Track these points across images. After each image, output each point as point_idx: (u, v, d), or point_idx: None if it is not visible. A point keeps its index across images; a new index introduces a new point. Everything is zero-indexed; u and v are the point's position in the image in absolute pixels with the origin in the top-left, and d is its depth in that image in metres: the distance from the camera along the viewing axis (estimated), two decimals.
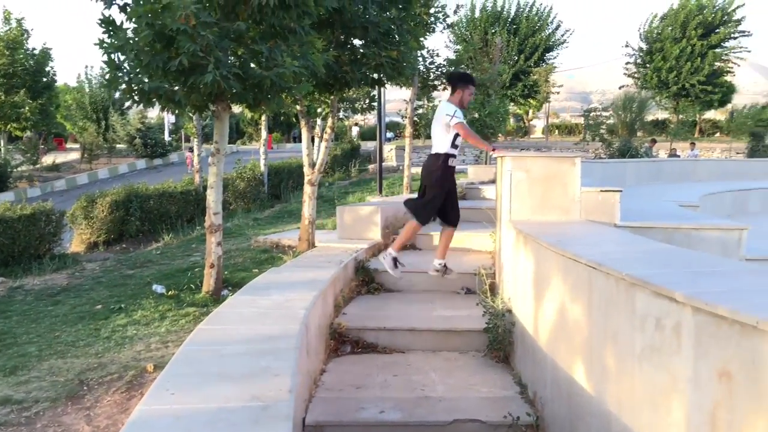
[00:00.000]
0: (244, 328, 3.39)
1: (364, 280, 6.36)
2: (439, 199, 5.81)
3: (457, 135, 5.67)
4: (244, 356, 2.85)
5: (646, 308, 2.47)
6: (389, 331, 5.03)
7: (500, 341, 4.68)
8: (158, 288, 7.57)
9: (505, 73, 38.06)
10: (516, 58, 40.03)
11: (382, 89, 13.59)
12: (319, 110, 9.93)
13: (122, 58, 5.91)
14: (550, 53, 42.24)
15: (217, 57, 5.85)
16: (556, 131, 47.80)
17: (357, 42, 8.55)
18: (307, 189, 9.22)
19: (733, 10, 39.22)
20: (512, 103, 42.39)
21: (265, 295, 4.27)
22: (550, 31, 41.93)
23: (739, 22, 39.69)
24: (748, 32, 40.38)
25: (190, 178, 19.79)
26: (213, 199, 7.10)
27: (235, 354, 2.89)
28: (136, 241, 15.27)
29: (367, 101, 11.33)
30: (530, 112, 46.16)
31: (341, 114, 10.11)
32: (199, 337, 3.25)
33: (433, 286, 6.40)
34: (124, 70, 6.01)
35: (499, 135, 19.97)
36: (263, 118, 19.50)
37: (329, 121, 9.23)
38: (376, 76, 8.69)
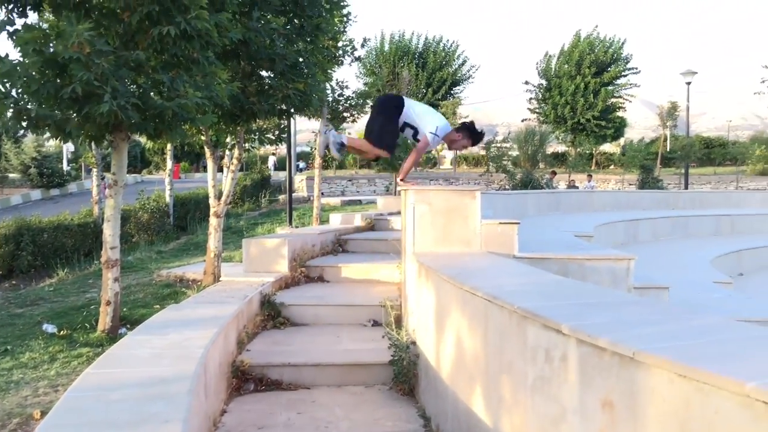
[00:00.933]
0: (135, 371, 3.22)
1: (270, 314, 6.24)
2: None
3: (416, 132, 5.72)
4: (133, 402, 2.70)
5: (537, 340, 2.55)
6: (294, 366, 4.94)
7: (405, 374, 4.69)
8: (49, 327, 7.11)
9: None
10: (424, 91, 41.12)
11: (291, 120, 13.58)
12: (227, 140, 9.78)
13: (9, 85, 5.61)
14: (457, 87, 43.71)
15: (114, 86, 5.66)
16: (464, 163, 49.20)
17: (264, 73, 8.53)
18: (213, 221, 9.01)
19: (620, 47, 42.09)
20: None
21: (162, 335, 4.10)
22: (457, 66, 43.43)
23: (627, 60, 42.63)
24: (637, 69, 43.40)
25: (89, 210, 18.90)
26: (110, 233, 6.79)
27: (123, 400, 2.74)
28: (28, 277, 14.35)
29: (276, 132, 11.26)
30: None
31: (248, 145, 9.98)
32: (85, 382, 3.07)
33: (341, 319, 6.36)
34: (12, 98, 5.70)
35: None
36: (168, 147, 18.96)
37: (236, 152, 9.10)
38: (283, 107, 8.67)
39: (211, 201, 8.92)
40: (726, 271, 10.06)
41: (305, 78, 8.36)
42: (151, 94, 6.29)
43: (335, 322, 6.33)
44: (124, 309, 7.52)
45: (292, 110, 8.96)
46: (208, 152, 9.12)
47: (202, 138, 8.98)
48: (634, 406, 1.98)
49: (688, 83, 26.69)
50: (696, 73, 26.72)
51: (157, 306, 7.70)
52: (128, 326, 6.86)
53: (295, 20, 8.60)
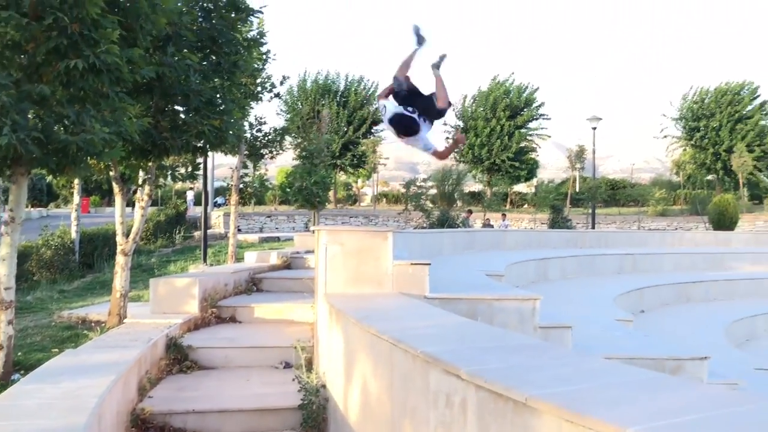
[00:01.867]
0: (21, 424, 3.02)
1: (177, 358, 6.01)
2: None
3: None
4: None
5: (438, 385, 2.57)
6: (199, 413, 4.76)
7: (314, 418, 4.62)
8: None
9: (335, 143, 39.23)
10: (345, 129, 41.46)
11: (208, 155, 13.34)
12: (140, 176, 9.47)
13: None
14: (378, 126, 44.32)
15: (15, 120, 5.40)
16: (384, 200, 49.68)
17: (180, 108, 8.37)
18: (120, 259, 8.65)
19: (533, 93, 44.17)
20: (342, 172, 43.64)
21: (55, 383, 3.87)
22: (377, 106, 44.12)
23: (539, 106, 44.70)
24: (548, 116, 45.60)
25: None
26: (4, 273, 6.39)
27: None
28: None
29: (190, 168, 11.02)
30: (360, 181, 47.73)
31: (161, 181, 9.70)
32: None
33: (252, 361, 6.21)
34: None
35: (327, 203, 20.37)
36: (76, 180, 18.16)
37: (146, 187, 8.83)
38: (198, 143, 8.52)
39: (119, 238, 8.57)
40: (628, 308, 10.53)
41: (221, 114, 8.25)
42: (55, 128, 6.04)
43: (246, 365, 6.17)
44: (19, 353, 7.05)
45: (207, 147, 8.81)
46: (116, 188, 8.80)
47: (111, 173, 8.67)
48: None
49: (594, 128, 28.20)
50: (601, 119, 28.29)
51: (56, 350, 7.26)
52: (22, 372, 6.42)
53: (212, 57, 8.52)
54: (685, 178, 48.39)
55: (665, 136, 50.07)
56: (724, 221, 25.67)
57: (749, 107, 45.93)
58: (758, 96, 46.54)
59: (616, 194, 47.81)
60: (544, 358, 2.68)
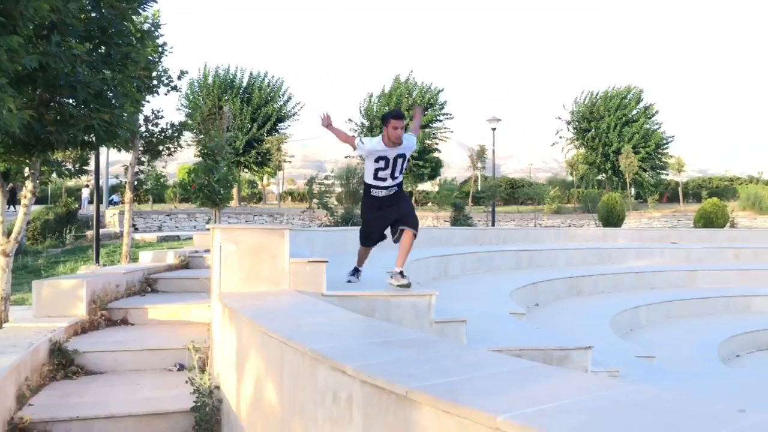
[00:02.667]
0: None
1: (61, 363, 5.69)
2: (366, 226, 6.44)
3: (378, 169, 5.94)
4: None
5: (326, 382, 2.59)
6: (83, 420, 4.54)
7: (207, 420, 4.51)
8: None
9: (239, 140, 38.44)
10: (249, 126, 40.70)
11: (101, 151, 12.72)
12: (24, 172, 8.88)
13: None
14: (282, 123, 43.80)
15: None
16: (290, 198, 49.20)
17: (68, 101, 7.92)
18: (0, 260, 8.09)
19: (437, 93, 45.13)
20: (246, 170, 42.82)
21: None
22: (282, 102, 43.60)
23: (442, 106, 45.71)
24: (451, 116, 46.69)
25: None
26: None
27: None
28: None
29: (78, 164, 10.45)
30: (265, 178, 46.99)
31: (46, 177, 9.15)
32: None
33: (144, 364, 5.98)
34: None
35: (230, 201, 19.93)
36: None
37: (29, 184, 8.30)
38: (87, 138, 8.09)
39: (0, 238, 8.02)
40: (523, 302, 10.98)
41: (111, 108, 7.88)
42: None
43: (137, 368, 5.94)
44: None
45: (97, 141, 8.39)
46: None
47: None
48: None
49: (494, 129, 29.18)
50: (500, 120, 29.30)
51: None
52: None
53: (102, 47, 8.13)
54: (578, 177, 50.96)
55: (560, 138, 52.55)
56: (612, 218, 27.22)
57: (635, 111, 48.99)
58: (642, 99, 49.73)
59: (515, 193, 49.74)
60: (430, 352, 2.75)
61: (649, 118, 49.10)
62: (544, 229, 26.34)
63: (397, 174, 6.08)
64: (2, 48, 5.72)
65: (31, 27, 6.55)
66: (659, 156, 48.73)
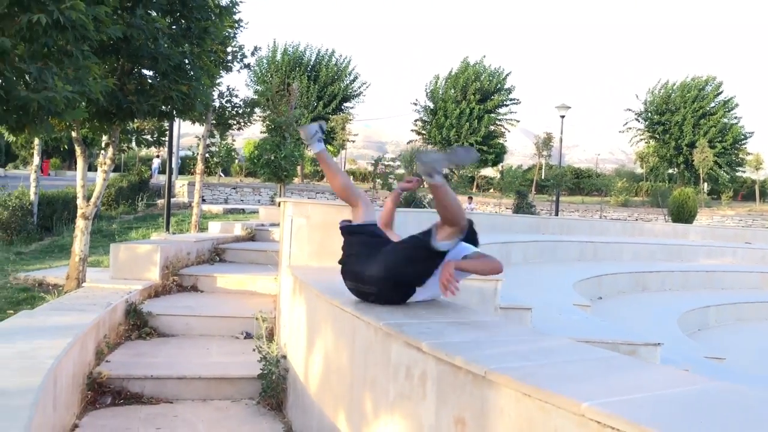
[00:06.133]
0: None
1: (136, 324, 5.95)
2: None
3: None
4: None
5: (399, 357, 2.60)
6: (156, 379, 4.73)
7: (273, 388, 4.62)
8: None
9: (304, 118, 38.89)
10: (315, 104, 41.10)
11: (174, 122, 13.10)
12: (103, 139, 9.25)
13: None
14: (348, 103, 44.05)
15: None
16: (351, 177, 49.56)
17: (147, 72, 8.18)
18: (80, 223, 8.46)
19: (504, 78, 44.37)
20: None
21: (9, 343, 3.79)
22: (348, 81, 43.80)
23: (510, 91, 44.93)
24: (518, 100, 45.87)
25: None
26: None
27: None
28: None
29: (156, 134, 10.80)
30: None
31: (125, 145, 9.50)
32: None
33: (212, 330, 6.18)
34: None
35: (294, 177, 20.23)
36: (36, 141, 17.65)
37: (109, 151, 8.63)
38: (165, 108, 8.34)
39: (80, 202, 8.38)
40: (587, 294, 10.75)
41: (189, 80, 8.09)
42: (16, 85, 5.84)
43: (206, 334, 6.14)
44: None
45: (174, 113, 8.64)
46: (78, 150, 8.59)
47: (73, 135, 8.45)
48: (485, 424, 2.06)
49: (562, 116, 28.50)
50: (570, 107, 28.58)
51: (11, 311, 7.10)
52: None
53: (182, 21, 8.33)
54: (648, 170, 49.34)
55: (629, 129, 50.91)
56: (683, 214, 26.32)
57: (713, 104, 46.93)
58: (721, 92, 47.56)
59: (581, 183, 48.58)
60: (504, 336, 2.72)
61: (728, 111, 46.97)
62: (610, 221, 25.68)
63: None
64: (89, 17, 5.92)
65: None
66: (736, 152, 46.62)
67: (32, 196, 17.84)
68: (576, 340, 5.31)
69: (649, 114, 49.05)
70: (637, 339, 5.91)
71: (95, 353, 4.85)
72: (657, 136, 48.15)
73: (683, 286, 14.59)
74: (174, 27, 8.20)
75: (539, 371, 2.08)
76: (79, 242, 8.27)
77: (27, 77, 5.83)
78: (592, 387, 1.94)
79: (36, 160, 19.12)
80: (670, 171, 49.23)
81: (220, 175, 29.89)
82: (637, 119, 50.09)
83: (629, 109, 50.68)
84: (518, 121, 47.08)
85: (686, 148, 45.91)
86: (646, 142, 49.88)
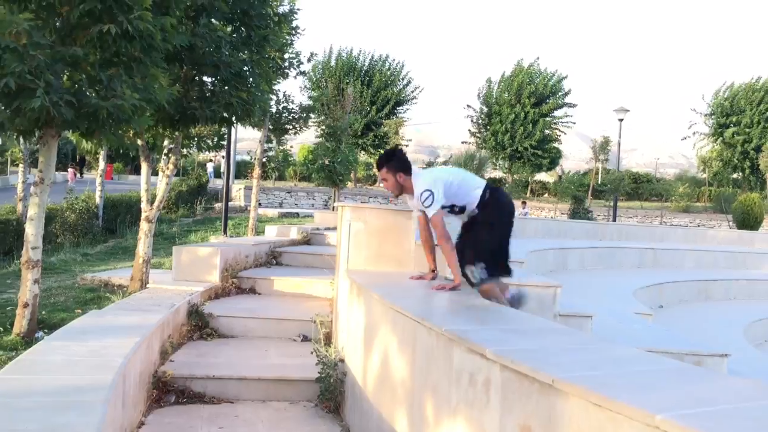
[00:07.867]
0: (48, 378, 3.09)
1: (198, 324, 6.10)
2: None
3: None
4: (42, 411, 2.58)
5: (462, 363, 2.59)
6: (218, 379, 4.84)
7: (332, 391, 4.67)
8: None
9: (358, 123, 39.18)
10: (368, 109, 41.34)
11: (232, 128, 13.39)
12: (164, 144, 9.54)
13: None
14: (401, 107, 44.13)
15: (48, 80, 5.45)
16: None
17: (207, 79, 8.40)
18: (144, 226, 8.74)
19: (560, 81, 43.61)
20: (363, 152, 43.61)
21: (81, 341, 3.95)
22: (402, 86, 43.90)
23: (566, 94, 44.14)
24: (574, 104, 45.02)
25: (12, 207, 18.04)
26: (32, 233, 6.49)
27: (31, 408, 2.61)
28: None
29: (215, 139, 11.08)
30: None
31: (186, 150, 9.78)
32: None
33: (270, 332, 6.29)
34: None
35: (348, 182, 20.40)
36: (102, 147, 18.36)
37: (172, 157, 8.89)
38: (225, 114, 8.55)
39: (144, 205, 8.66)
40: (647, 302, 10.46)
41: (249, 87, 8.27)
42: (87, 92, 6.09)
43: (264, 336, 6.25)
44: (43, 312, 7.18)
45: (234, 118, 8.84)
46: (142, 155, 8.88)
47: (138, 142, 8.74)
48: (552, 431, 2.03)
49: (621, 120, 27.84)
50: (628, 110, 27.91)
51: (79, 311, 7.38)
52: (46, 330, 6.55)
53: (243, 29, 8.53)
54: (711, 175, 47.68)
55: (694, 133, 49.27)
56: (748, 221, 25.29)
57: None
58: None
59: (639, 188, 47.21)
60: (569, 344, 2.67)
61: None
62: (671, 227, 24.91)
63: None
64: (157, 27, 6.13)
65: (182, 8, 6.96)
66: None
67: (98, 200, 18.55)
68: (639, 350, 5.17)
69: (715, 116, 47.36)
70: (703, 349, 5.71)
71: (160, 353, 5.00)
72: (724, 139, 46.43)
73: (749, 296, 14.02)
74: (235, 35, 8.40)
75: (609, 381, 2.04)
76: (143, 244, 8.54)
77: (97, 85, 6.07)
78: (666, 398, 1.89)
79: (101, 165, 19.86)
80: (735, 176, 47.41)
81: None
82: (704, 122, 48.37)
83: (694, 110, 49.03)
84: (574, 123, 46.19)
85: (752, 152, 44.13)
86: (711, 145, 48.18)
